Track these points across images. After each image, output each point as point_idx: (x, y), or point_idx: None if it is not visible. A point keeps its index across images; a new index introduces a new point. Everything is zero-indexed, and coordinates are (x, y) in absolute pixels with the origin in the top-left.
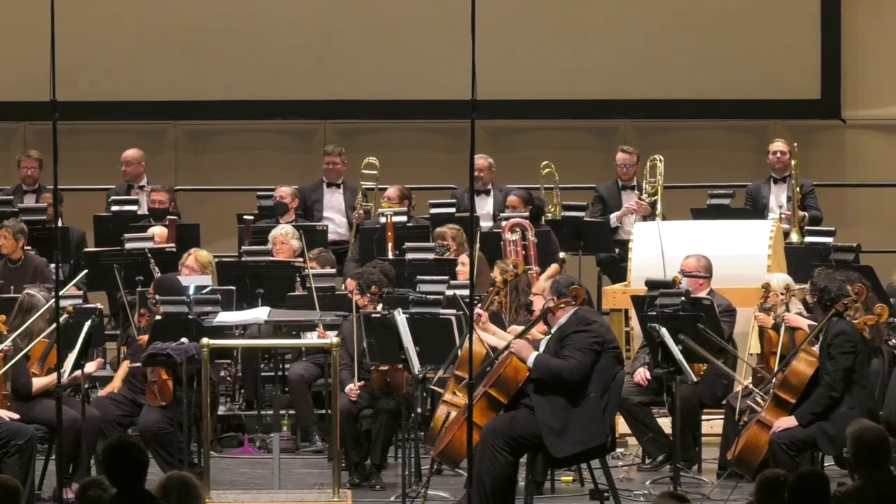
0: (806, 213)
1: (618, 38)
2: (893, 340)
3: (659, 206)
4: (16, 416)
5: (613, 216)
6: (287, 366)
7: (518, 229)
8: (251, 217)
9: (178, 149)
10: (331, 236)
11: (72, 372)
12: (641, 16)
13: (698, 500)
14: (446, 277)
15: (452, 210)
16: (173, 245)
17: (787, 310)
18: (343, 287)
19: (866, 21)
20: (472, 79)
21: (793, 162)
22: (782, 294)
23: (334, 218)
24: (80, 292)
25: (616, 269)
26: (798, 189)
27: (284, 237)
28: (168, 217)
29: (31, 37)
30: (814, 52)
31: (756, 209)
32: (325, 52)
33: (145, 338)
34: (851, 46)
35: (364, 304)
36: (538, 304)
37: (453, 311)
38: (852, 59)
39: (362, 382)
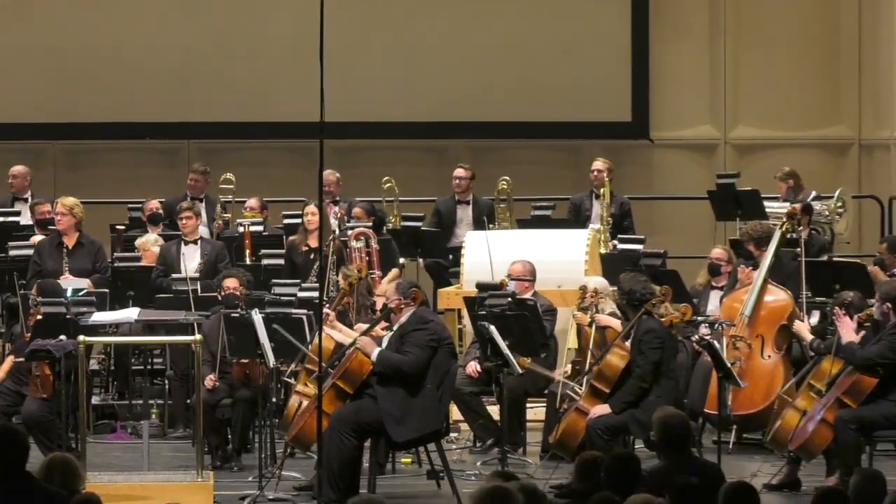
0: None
1: (451, 66)
2: (695, 336)
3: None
4: None
5: None
6: (158, 360)
7: (362, 238)
8: (122, 227)
9: (56, 166)
10: (193, 249)
11: None
12: (472, 45)
13: (523, 479)
14: (298, 281)
15: (298, 221)
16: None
17: (597, 311)
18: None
19: (670, 53)
20: (321, 102)
21: (606, 182)
22: (591, 296)
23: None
24: None
25: (440, 273)
26: (609, 203)
27: (146, 244)
28: (49, 227)
29: None
30: (625, 79)
31: (578, 220)
32: (188, 77)
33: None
34: (658, 75)
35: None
36: (381, 304)
37: (304, 311)
38: (659, 86)
39: (213, 376)
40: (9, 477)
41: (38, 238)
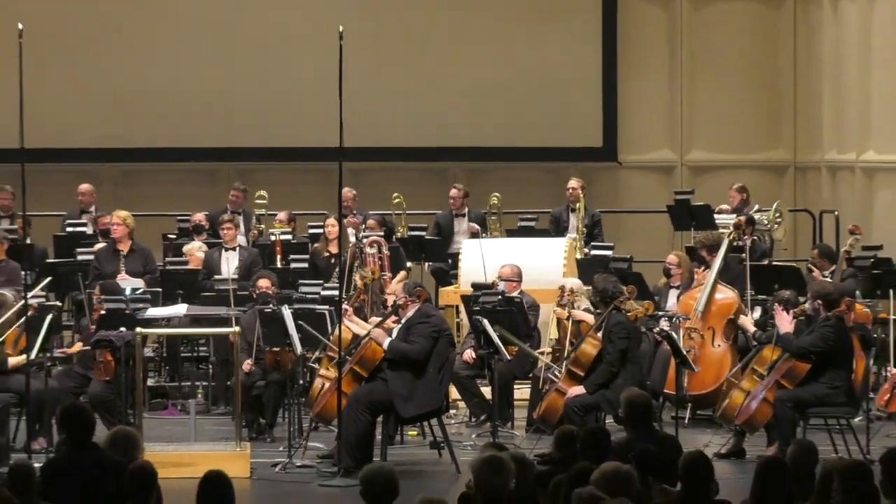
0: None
1: (449, 100)
2: (656, 328)
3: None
4: None
5: None
6: (203, 348)
7: (375, 245)
8: (172, 236)
9: (116, 184)
10: (233, 255)
11: (37, 354)
12: (466, 82)
13: (512, 449)
14: (320, 281)
15: (320, 231)
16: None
17: (573, 307)
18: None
19: (635, 88)
20: (340, 132)
21: (581, 198)
22: (568, 294)
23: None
24: (44, 293)
25: (441, 275)
26: (583, 216)
27: (192, 250)
28: (109, 236)
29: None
30: (596, 111)
31: (558, 230)
32: (227, 109)
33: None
34: (624, 107)
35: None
36: (391, 301)
37: (326, 307)
38: (625, 117)
39: (249, 362)
40: (79, 447)
41: (100, 245)
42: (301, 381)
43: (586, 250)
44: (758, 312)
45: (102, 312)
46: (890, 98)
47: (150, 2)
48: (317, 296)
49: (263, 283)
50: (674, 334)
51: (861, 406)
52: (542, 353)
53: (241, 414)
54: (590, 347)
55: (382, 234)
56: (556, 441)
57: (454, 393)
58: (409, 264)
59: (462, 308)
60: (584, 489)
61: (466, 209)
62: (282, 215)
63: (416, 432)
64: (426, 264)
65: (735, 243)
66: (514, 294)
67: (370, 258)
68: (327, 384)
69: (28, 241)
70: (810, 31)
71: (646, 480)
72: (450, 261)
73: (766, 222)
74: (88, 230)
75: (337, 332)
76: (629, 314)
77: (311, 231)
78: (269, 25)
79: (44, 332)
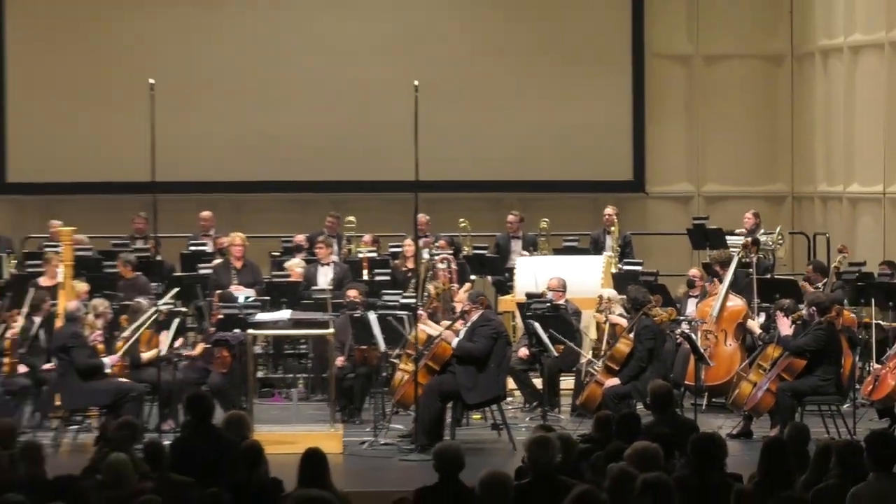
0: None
1: (506, 142)
2: (678, 330)
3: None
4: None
5: None
6: (303, 346)
7: (445, 261)
8: (277, 254)
9: (231, 211)
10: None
11: (167, 350)
12: (520, 126)
13: (559, 430)
14: (400, 291)
15: (399, 249)
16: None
17: (610, 312)
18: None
19: (659, 132)
20: (415, 167)
21: (615, 223)
22: (605, 302)
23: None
24: (172, 301)
25: (500, 286)
26: (617, 237)
27: (293, 266)
28: (223, 254)
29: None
30: (628, 150)
31: (596, 249)
32: (322, 147)
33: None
34: (651, 147)
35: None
36: (459, 308)
37: (405, 313)
38: (651, 155)
39: (342, 358)
40: (201, 428)
41: (217, 261)
42: (384, 374)
43: (620, 266)
44: (762, 318)
45: (220, 317)
46: (871, 139)
47: (259, 59)
48: (396, 303)
49: (352, 293)
50: (692, 335)
51: (848, 395)
52: (583, 351)
53: (334, 400)
54: (623, 346)
55: (451, 252)
56: (595, 424)
57: (511, 383)
58: (473, 277)
59: (517, 313)
60: (618, 464)
61: (521, 232)
62: (367, 237)
63: (479, 416)
64: (487, 277)
65: (743, 260)
66: (560, 302)
67: (441, 272)
68: (406, 376)
69: (158, 258)
70: (804, 84)
71: (671, 456)
72: (507, 274)
73: (770, 243)
74: (208, 249)
75: (414, 333)
76: (656, 319)
77: (392, 250)
78: (359, 79)
79: (172, 332)
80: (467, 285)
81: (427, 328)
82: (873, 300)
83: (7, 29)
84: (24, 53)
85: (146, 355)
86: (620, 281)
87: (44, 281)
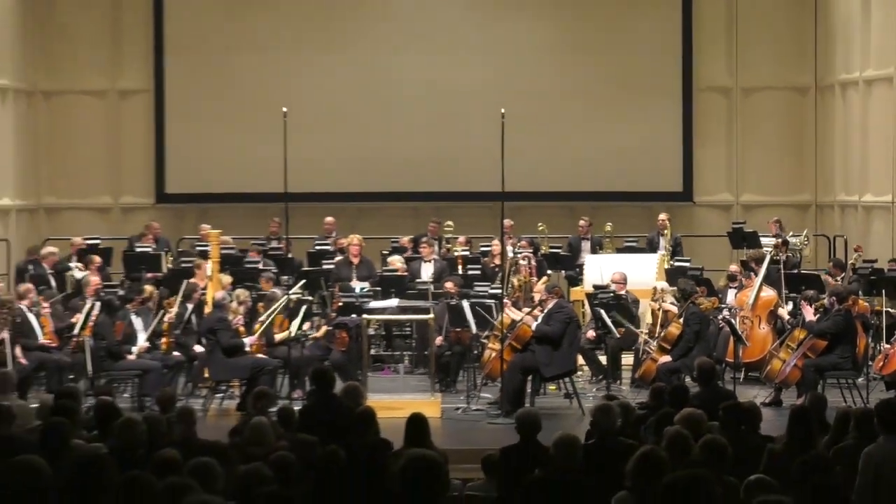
0: (678, 254)
1: (577, 156)
2: (720, 316)
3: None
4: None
5: None
6: (408, 329)
7: (527, 258)
8: (387, 252)
9: (351, 217)
10: (429, 266)
11: (296, 332)
12: (589, 144)
13: (621, 399)
14: (489, 283)
15: (488, 249)
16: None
17: (663, 301)
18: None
19: (705, 151)
20: (501, 180)
21: (668, 226)
22: (659, 293)
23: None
24: (300, 291)
25: (572, 280)
26: (669, 239)
27: (393, 262)
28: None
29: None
30: (678, 166)
31: (652, 249)
32: (424, 162)
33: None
34: (698, 164)
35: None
36: (537, 297)
37: (493, 301)
38: (698, 171)
39: (440, 338)
40: (323, 396)
41: (338, 259)
42: (475, 352)
43: (671, 263)
44: (790, 306)
45: (340, 304)
46: (881, 157)
47: (374, 92)
48: (486, 293)
49: (449, 285)
50: (732, 320)
51: (862, 370)
52: (640, 333)
53: (433, 374)
54: (674, 329)
55: (531, 251)
56: (650, 394)
57: (580, 360)
58: (549, 272)
59: (586, 302)
60: (670, 427)
61: (589, 234)
62: (462, 238)
63: (554, 387)
64: (561, 272)
65: (774, 258)
66: (622, 292)
67: (523, 267)
68: (493, 353)
69: (290, 256)
70: (826, 111)
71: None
72: (577, 269)
73: (797, 244)
74: (330, 248)
75: (500, 318)
76: (701, 307)
77: (482, 249)
78: (456, 108)
79: (300, 317)
80: (544, 278)
81: (511, 314)
82: (884, 291)
83: (166, 65)
84: (181, 86)
85: (279, 336)
86: (672, 275)
87: (196, 279)
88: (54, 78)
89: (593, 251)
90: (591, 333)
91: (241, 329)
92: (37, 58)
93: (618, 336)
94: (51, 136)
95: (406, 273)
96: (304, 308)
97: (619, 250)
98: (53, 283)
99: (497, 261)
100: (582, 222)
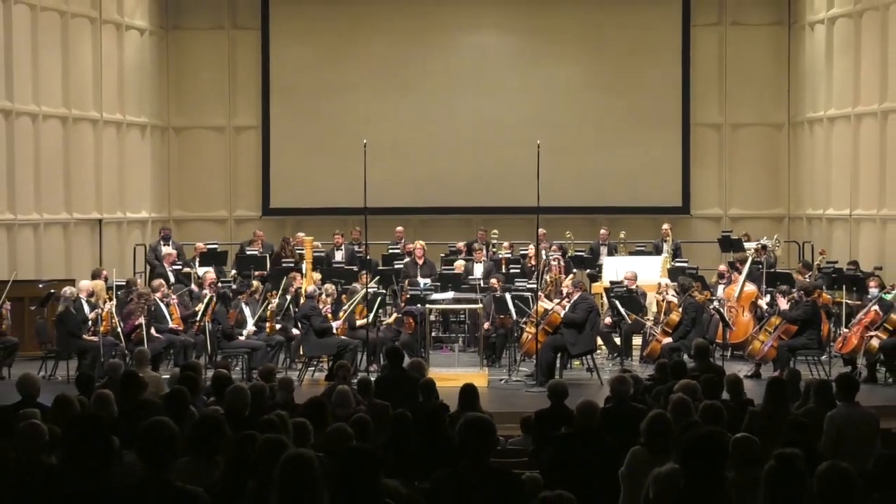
0: (678, 257)
1: (597, 176)
2: (711, 306)
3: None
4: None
5: None
6: (461, 315)
7: (556, 260)
8: (443, 255)
9: (415, 226)
10: (480, 266)
11: (372, 318)
12: (606, 166)
13: (633, 371)
14: (526, 279)
15: (526, 252)
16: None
17: (666, 294)
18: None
19: (700, 172)
20: (537, 196)
21: (670, 234)
22: (663, 288)
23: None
24: (376, 286)
25: (593, 276)
26: (671, 244)
27: (458, 265)
28: (410, 255)
29: (357, 180)
30: (678, 185)
31: (657, 252)
32: (470, 183)
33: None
34: (694, 183)
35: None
36: (565, 291)
37: (530, 293)
38: (694, 189)
39: (487, 323)
40: (394, 370)
41: (406, 260)
42: (515, 334)
43: (672, 263)
44: (768, 298)
45: (408, 296)
46: (841, 180)
47: (436, 125)
48: (524, 287)
49: (494, 281)
50: (721, 310)
51: (825, 349)
52: (647, 320)
53: (482, 352)
54: (675, 317)
55: (560, 254)
56: (656, 368)
57: (599, 341)
58: (575, 270)
59: (604, 295)
60: (675, 394)
61: (607, 241)
62: (506, 244)
63: (578, 363)
64: (585, 271)
65: (755, 259)
66: (633, 287)
67: (554, 267)
68: (530, 336)
69: (368, 257)
70: (797, 142)
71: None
72: (597, 269)
73: (772, 247)
74: (400, 252)
75: (535, 307)
76: (697, 298)
77: (522, 252)
78: (502, 138)
79: (376, 306)
80: (571, 276)
81: (544, 304)
82: (843, 287)
83: (272, 106)
84: (283, 123)
85: (359, 322)
86: (673, 273)
87: (293, 278)
88: (183, 116)
89: (610, 254)
90: (608, 320)
91: (330, 315)
92: (170, 100)
93: (629, 322)
94: (180, 163)
95: (461, 271)
96: (378, 299)
97: (631, 253)
98: (172, 278)
99: (533, 262)
100: (602, 231)
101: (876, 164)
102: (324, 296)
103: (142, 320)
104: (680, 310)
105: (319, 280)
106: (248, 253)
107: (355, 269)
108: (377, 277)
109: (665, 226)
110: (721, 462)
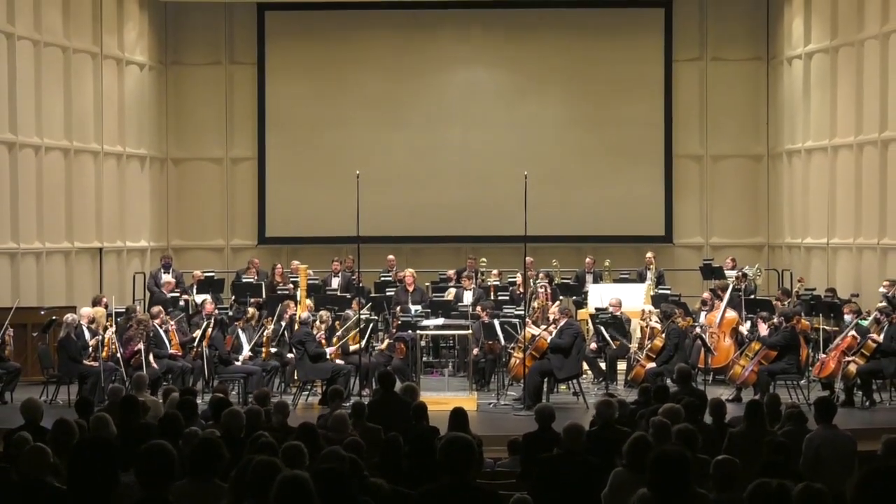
0: (661, 284)
1: (582, 207)
2: (694, 332)
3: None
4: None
5: None
6: (450, 341)
7: (543, 287)
8: (435, 282)
9: (407, 255)
10: (469, 293)
11: (364, 346)
12: (591, 197)
13: (618, 397)
14: (514, 306)
15: (514, 279)
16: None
17: (650, 320)
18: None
19: (682, 204)
20: (525, 226)
21: (653, 262)
22: (647, 314)
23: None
24: (368, 312)
25: (579, 303)
26: (655, 272)
27: (450, 293)
28: (401, 282)
29: (350, 209)
30: (661, 215)
31: (641, 280)
32: (464, 213)
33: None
34: (677, 214)
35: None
36: (552, 316)
37: (518, 319)
38: (677, 219)
39: (476, 349)
40: (386, 394)
41: (397, 287)
42: (503, 359)
43: (656, 290)
44: (748, 324)
45: (399, 322)
46: (818, 209)
47: (425, 158)
48: (512, 314)
49: (481, 309)
50: (703, 335)
51: (804, 374)
52: (632, 345)
53: (472, 376)
54: (658, 342)
55: (547, 281)
56: (640, 392)
57: (585, 366)
58: (561, 297)
59: (589, 321)
60: (655, 418)
61: (593, 269)
62: (494, 272)
63: (565, 387)
64: (571, 298)
65: (736, 287)
66: (617, 313)
67: (541, 294)
68: (518, 360)
69: (360, 285)
70: (776, 173)
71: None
72: (583, 296)
73: (753, 276)
74: (391, 279)
75: (523, 333)
76: (679, 325)
77: (510, 279)
78: (490, 170)
79: (368, 332)
80: (558, 302)
81: (532, 330)
82: (821, 313)
83: (267, 138)
84: (278, 154)
85: (352, 347)
86: (656, 300)
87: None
88: (182, 148)
89: (595, 281)
90: (593, 346)
91: (323, 341)
92: (169, 133)
93: (614, 347)
94: (178, 193)
95: (452, 298)
96: (371, 325)
97: (616, 281)
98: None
99: (521, 289)
100: (588, 260)
101: (852, 194)
102: (318, 322)
103: (141, 346)
104: (663, 336)
105: (312, 307)
106: (244, 280)
107: (348, 296)
108: (369, 304)
109: (648, 254)
110: (682, 479)
